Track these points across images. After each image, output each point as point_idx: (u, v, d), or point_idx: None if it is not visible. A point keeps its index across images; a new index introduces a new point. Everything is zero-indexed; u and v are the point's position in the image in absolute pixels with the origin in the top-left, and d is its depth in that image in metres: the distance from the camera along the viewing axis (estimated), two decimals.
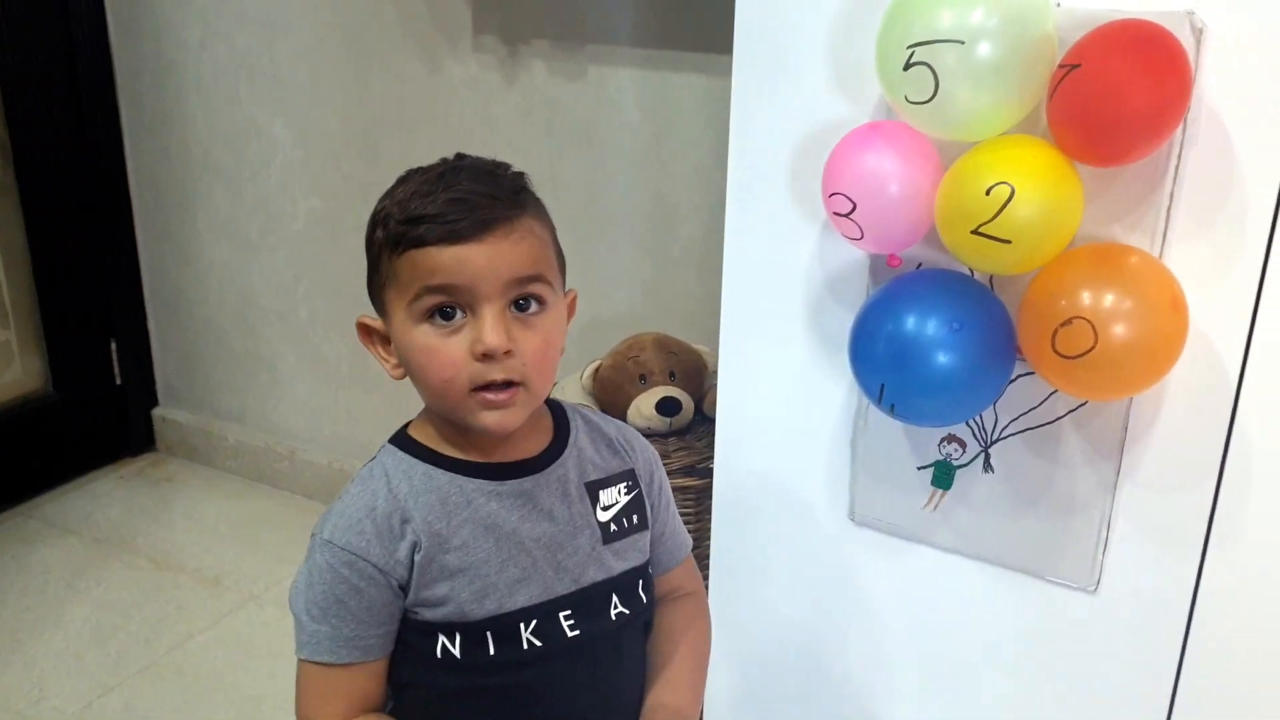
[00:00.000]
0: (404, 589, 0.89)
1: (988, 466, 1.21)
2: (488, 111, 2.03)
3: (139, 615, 2.09)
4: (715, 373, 1.76)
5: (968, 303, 1.08)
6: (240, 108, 2.32)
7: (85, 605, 2.12)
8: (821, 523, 1.34)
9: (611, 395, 1.70)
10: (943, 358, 1.06)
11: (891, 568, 1.31)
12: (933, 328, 1.07)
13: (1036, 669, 1.25)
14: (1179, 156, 1.04)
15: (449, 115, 2.07)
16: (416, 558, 0.89)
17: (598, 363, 1.74)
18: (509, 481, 0.93)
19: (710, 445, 1.64)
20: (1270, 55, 1.00)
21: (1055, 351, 1.01)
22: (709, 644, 1.10)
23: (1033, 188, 1.00)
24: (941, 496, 1.24)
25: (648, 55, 1.85)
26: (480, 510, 0.91)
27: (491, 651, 0.90)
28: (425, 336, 0.86)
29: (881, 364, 1.10)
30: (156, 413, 2.72)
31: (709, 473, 1.62)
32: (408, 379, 0.92)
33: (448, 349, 0.86)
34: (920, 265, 1.17)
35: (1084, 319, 0.99)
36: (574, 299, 0.97)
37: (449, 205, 0.84)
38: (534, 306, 0.88)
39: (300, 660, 0.90)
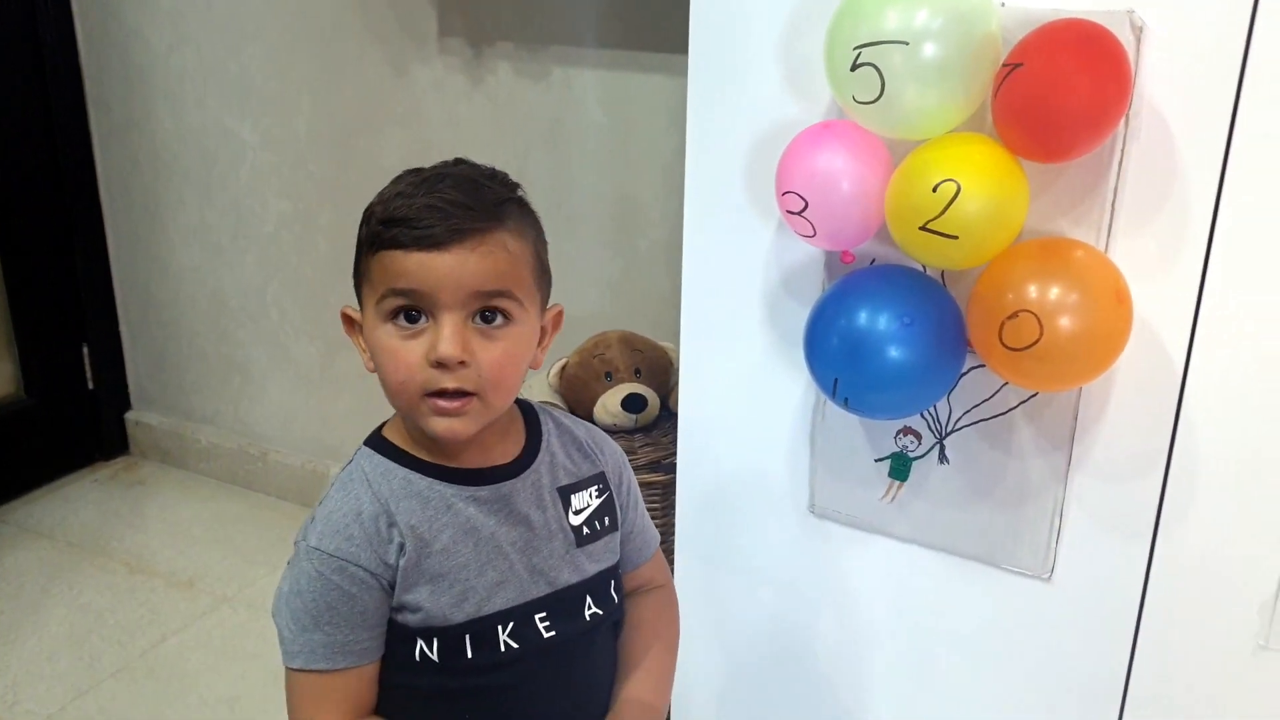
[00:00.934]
0: (387, 582, 0.90)
1: (943, 458, 1.23)
2: (454, 113, 2.04)
3: (113, 618, 2.10)
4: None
5: (918, 297, 1.10)
6: (209, 112, 2.33)
7: (59, 609, 2.13)
8: (783, 516, 1.36)
9: (578, 393, 1.72)
10: (894, 352, 1.08)
11: (852, 559, 1.33)
12: (884, 322, 1.09)
13: (995, 655, 1.27)
14: (1122, 151, 1.06)
15: (416, 117, 2.08)
16: (401, 561, 0.90)
17: (564, 360, 1.76)
18: (486, 486, 0.94)
19: (675, 441, 1.66)
20: (1208, 51, 1.02)
21: (1003, 344, 1.03)
22: (678, 636, 1.12)
23: (978, 184, 1.02)
24: (899, 488, 1.26)
25: (611, 56, 1.87)
26: (460, 514, 0.92)
27: (469, 655, 0.92)
28: (388, 336, 0.87)
29: (835, 359, 1.12)
30: (129, 416, 2.72)
31: (674, 468, 1.64)
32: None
33: (405, 351, 0.87)
34: (874, 261, 1.19)
35: (1029, 312, 1.01)
36: (558, 314, 0.98)
37: (424, 211, 0.85)
38: (498, 320, 0.88)
39: (292, 670, 0.90)
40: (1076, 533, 1.19)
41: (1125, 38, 1.02)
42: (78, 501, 2.53)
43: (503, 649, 0.93)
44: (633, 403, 1.66)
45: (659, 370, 1.73)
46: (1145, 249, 1.08)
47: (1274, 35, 0.99)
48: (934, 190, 1.02)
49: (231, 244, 2.41)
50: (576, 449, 1.03)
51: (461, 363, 0.86)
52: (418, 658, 0.91)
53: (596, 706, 1.02)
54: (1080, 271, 1.04)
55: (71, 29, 2.42)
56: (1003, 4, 1.07)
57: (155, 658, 1.99)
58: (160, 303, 2.58)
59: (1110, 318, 1.03)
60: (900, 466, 1.25)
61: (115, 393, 2.70)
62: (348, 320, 0.94)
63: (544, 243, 0.95)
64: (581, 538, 0.99)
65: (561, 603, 0.96)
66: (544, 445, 1.00)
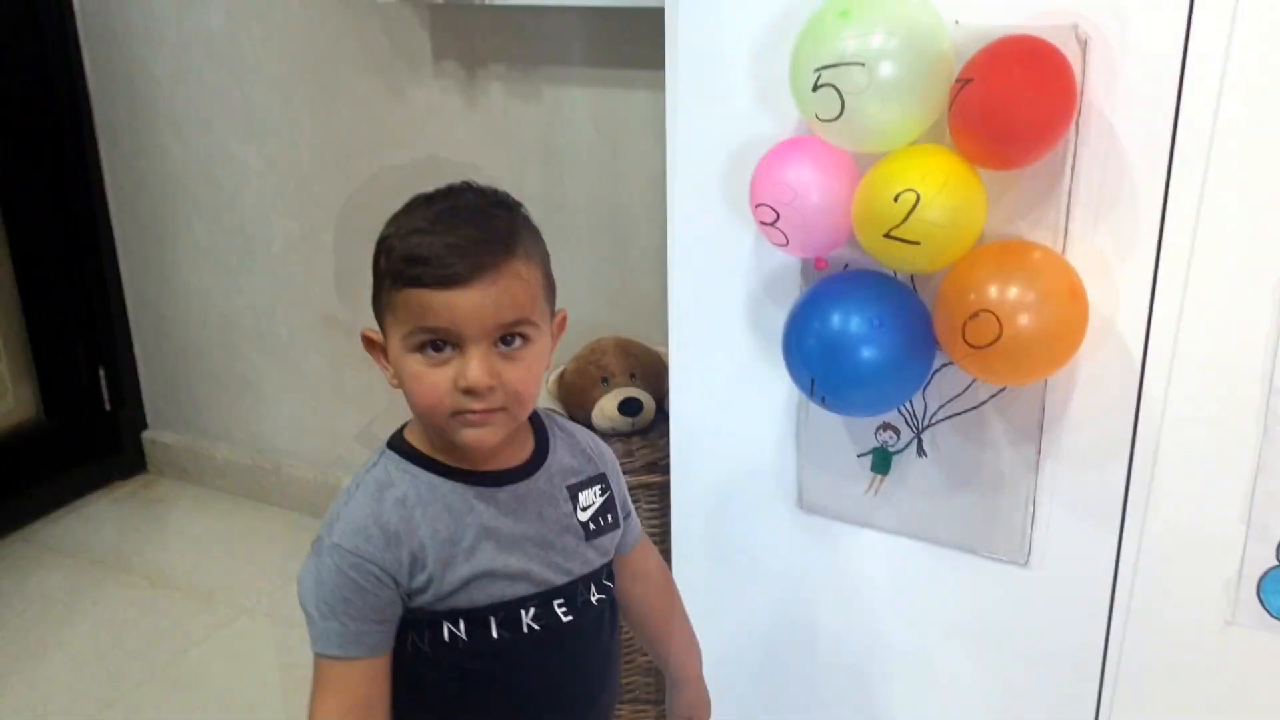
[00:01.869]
0: (404, 590, 0.97)
1: (921, 451, 1.29)
2: (451, 133, 2.11)
3: (136, 632, 2.17)
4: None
5: (888, 300, 1.17)
6: (214, 139, 2.40)
7: (84, 624, 2.20)
8: (774, 511, 1.42)
9: (576, 398, 1.78)
10: (866, 352, 1.15)
11: (841, 551, 1.39)
12: (856, 324, 1.15)
13: (979, 639, 1.33)
14: (1074, 157, 1.13)
15: (414, 138, 2.15)
16: (425, 561, 0.96)
17: (562, 368, 1.82)
18: (504, 488, 1.01)
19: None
20: (1147, 60, 1.08)
21: (966, 342, 1.09)
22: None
23: (936, 193, 1.08)
24: (881, 481, 1.32)
25: (598, 74, 1.94)
26: (481, 515, 0.99)
27: (495, 634, 0.99)
28: (415, 364, 0.93)
29: (811, 359, 1.18)
30: (146, 435, 2.79)
31: (669, 469, 1.70)
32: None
33: (434, 378, 0.93)
34: (847, 266, 1.26)
35: (989, 311, 1.07)
36: (563, 318, 1.05)
37: (445, 250, 0.90)
38: (518, 343, 0.95)
39: (315, 655, 0.98)
40: (1050, 519, 1.25)
41: (1070, 50, 1.08)
42: (98, 520, 2.61)
43: (525, 630, 1.01)
44: (629, 406, 1.72)
45: (654, 374, 1.79)
46: (1101, 247, 1.14)
47: (1209, 42, 1.05)
48: (895, 200, 1.08)
49: (240, 265, 2.49)
50: (580, 451, 1.10)
51: (489, 387, 0.92)
52: (446, 637, 0.98)
53: (607, 679, 1.11)
54: (1036, 272, 1.10)
55: (79, 63, 2.50)
56: (956, 22, 1.13)
57: (178, 669, 2.07)
58: (173, 324, 2.65)
59: (1066, 314, 1.10)
60: (882, 460, 1.31)
61: (132, 413, 2.78)
62: (369, 341, 1.00)
63: (548, 256, 1.01)
64: (589, 533, 1.06)
65: (575, 591, 1.04)
66: (552, 447, 1.07)
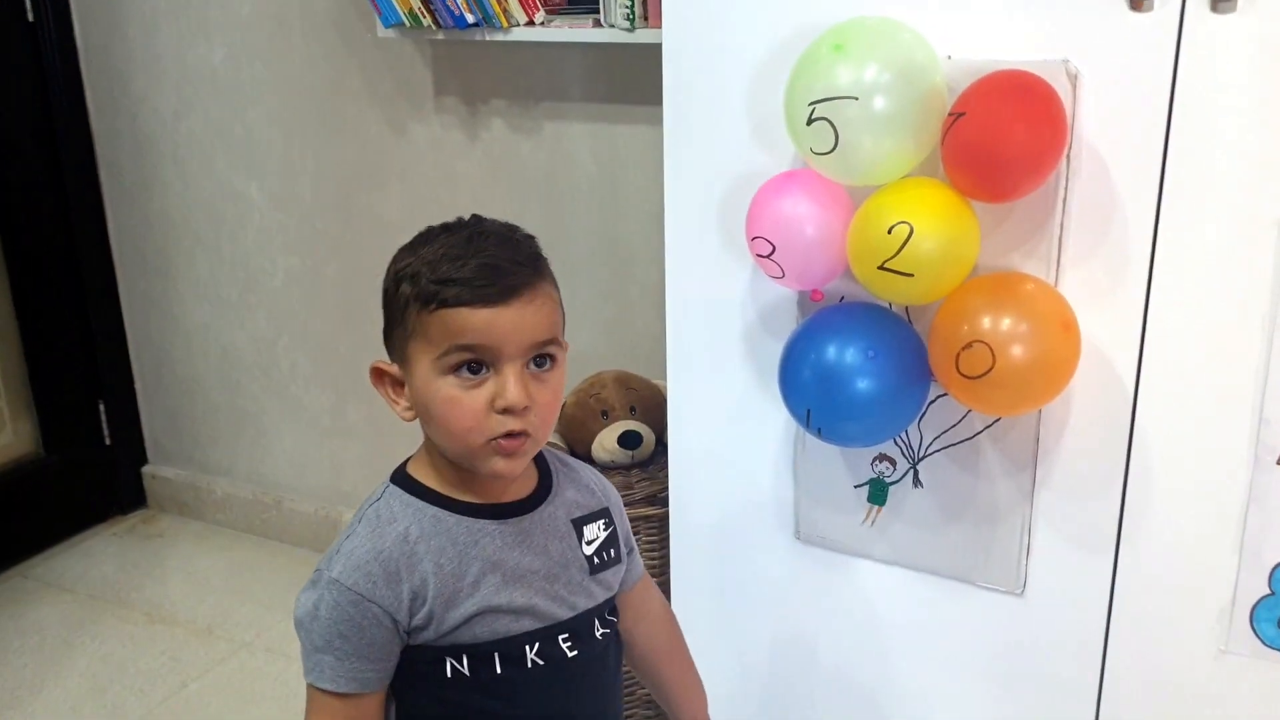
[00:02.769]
0: (404, 628, 0.97)
1: (917, 482, 1.30)
2: (452, 168, 2.13)
3: (134, 667, 2.17)
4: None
5: (882, 332, 1.18)
6: (216, 174, 2.43)
7: (82, 660, 2.19)
8: (771, 543, 1.42)
9: (576, 431, 1.79)
10: (861, 383, 1.16)
11: (837, 581, 1.39)
12: (851, 356, 1.16)
13: (974, 668, 1.33)
14: (1065, 189, 1.14)
15: (415, 173, 2.17)
16: (426, 597, 0.96)
17: (561, 401, 1.83)
18: (509, 520, 1.01)
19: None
20: (1135, 94, 1.10)
21: (960, 373, 1.10)
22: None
23: (930, 225, 1.10)
24: (878, 512, 1.33)
25: (598, 109, 1.96)
26: (486, 549, 0.98)
27: (499, 669, 0.99)
28: (449, 388, 0.93)
29: (807, 391, 1.19)
30: (146, 470, 2.80)
31: (668, 502, 1.71)
32: (408, 421, 0.99)
33: (470, 401, 0.93)
34: (843, 299, 1.27)
35: (982, 342, 1.09)
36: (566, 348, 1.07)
37: (479, 271, 0.91)
38: (548, 364, 0.96)
39: (307, 684, 0.98)
40: (1044, 549, 1.25)
41: (1061, 85, 1.10)
42: (98, 555, 2.61)
43: (529, 665, 1.00)
44: (629, 439, 1.73)
45: (653, 407, 1.80)
46: (1092, 278, 1.16)
47: (1197, 77, 1.07)
48: (889, 232, 1.10)
49: (241, 300, 2.50)
50: (583, 486, 1.10)
51: (526, 407, 0.93)
52: (449, 673, 0.98)
53: (609, 712, 1.10)
54: (1028, 303, 1.11)
55: (82, 99, 2.53)
56: (949, 57, 1.15)
57: (177, 704, 2.06)
58: (174, 359, 2.66)
59: (1058, 345, 1.11)
60: (878, 491, 1.32)
61: (132, 448, 2.78)
62: (378, 375, 1.00)
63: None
64: (594, 566, 1.06)
65: (582, 625, 1.04)
66: (556, 481, 1.07)
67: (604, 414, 1.77)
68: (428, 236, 0.98)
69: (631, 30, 1.74)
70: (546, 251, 0.99)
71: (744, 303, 1.36)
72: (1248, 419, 1.12)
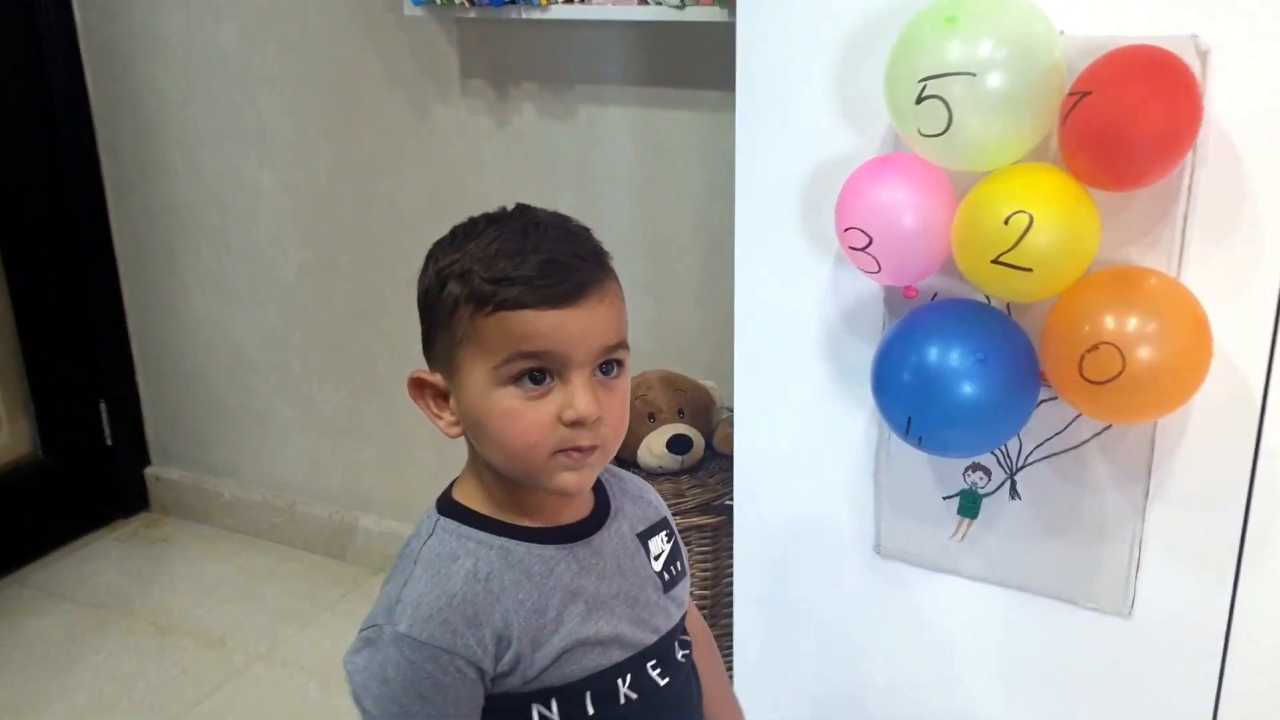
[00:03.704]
0: (489, 677, 0.86)
1: (1014, 493, 1.20)
2: (478, 155, 2.02)
3: (142, 683, 2.05)
4: (723, 408, 1.75)
5: (990, 332, 1.08)
6: (225, 161, 2.31)
7: (86, 674, 2.08)
8: (847, 557, 1.33)
9: None
10: (969, 388, 1.06)
11: (922, 599, 1.30)
12: (957, 359, 1.06)
13: (1072, 696, 1.24)
14: (1191, 177, 1.04)
15: (439, 160, 2.06)
16: (511, 639, 0.85)
17: (629, 410, 1.73)
18: (579, 543, 0.91)
19: (723, 482, 1.64)
20: (1273, 73, 1.00)
21: (1083, 378, 1.01)
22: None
23: (1050, 215, 1.00)
24: (969, 525, 1.23)
25: (637, 93, 1.86)
26: (563, 577, 0.88)
27: (590, 711, 0.88)
28: (509, 399, 0.83)
29: (908, 397, 1.09)
30: (149, 472, 2.68)
31: (724, 509, 1.61)
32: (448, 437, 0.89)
33: (535, 413, 0.82)
34: (935, 295, 1.17)
35: (1110, 344, 0.99)
36: None
37: (546, 267, 0.81)
38: (616, 370, 0.86)
39: None
40: (1156, 567, 1.16)
41: (1191, 62, 1.00)
42: (99, 561, 2.49)
43: (623, 700, 0.90)
44: (679, 444, 1.63)
45: (701, 410, 1.70)
46: (1218, 274, 1.06)
47: None
48: (1006, 223, 1.00)
49: (250, 294, 2.39)
50: (636, 498, 1.00)
51: (599, 418, 0.83)
52: (536, 718, 0.88)
53: None
54: (1157, 300, 1.02)
55: (82, 80, 2.40)
56: (1061, 33, 1.04)
57: None
58: (178, 355, 2.55)
59: (1190, 345, 1.01)
60: (970, 504, 1.22)
61: (134, 448, 2.66)
62: (418, 386, 0.89)
63: None
64: (665, 583, 0.96)
65: (667, 649, 0.95)
66: (612, 494, 0.97)
67: (650, 417, 1.67)
68: (472, 230, 0.86)
69: (682, 8, 1.63)
70: None
71: (822, 298, 1.26)
72: None
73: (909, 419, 1.09)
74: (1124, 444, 1.14)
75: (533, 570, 0.88)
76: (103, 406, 2.60)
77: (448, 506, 0.91)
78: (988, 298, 1.13)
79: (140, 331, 2.58)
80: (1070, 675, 1.23)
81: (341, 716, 1.73)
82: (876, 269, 1.10)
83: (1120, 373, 0.98)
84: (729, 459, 1.62)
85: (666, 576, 0.97)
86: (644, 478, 1.06)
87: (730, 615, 1.49)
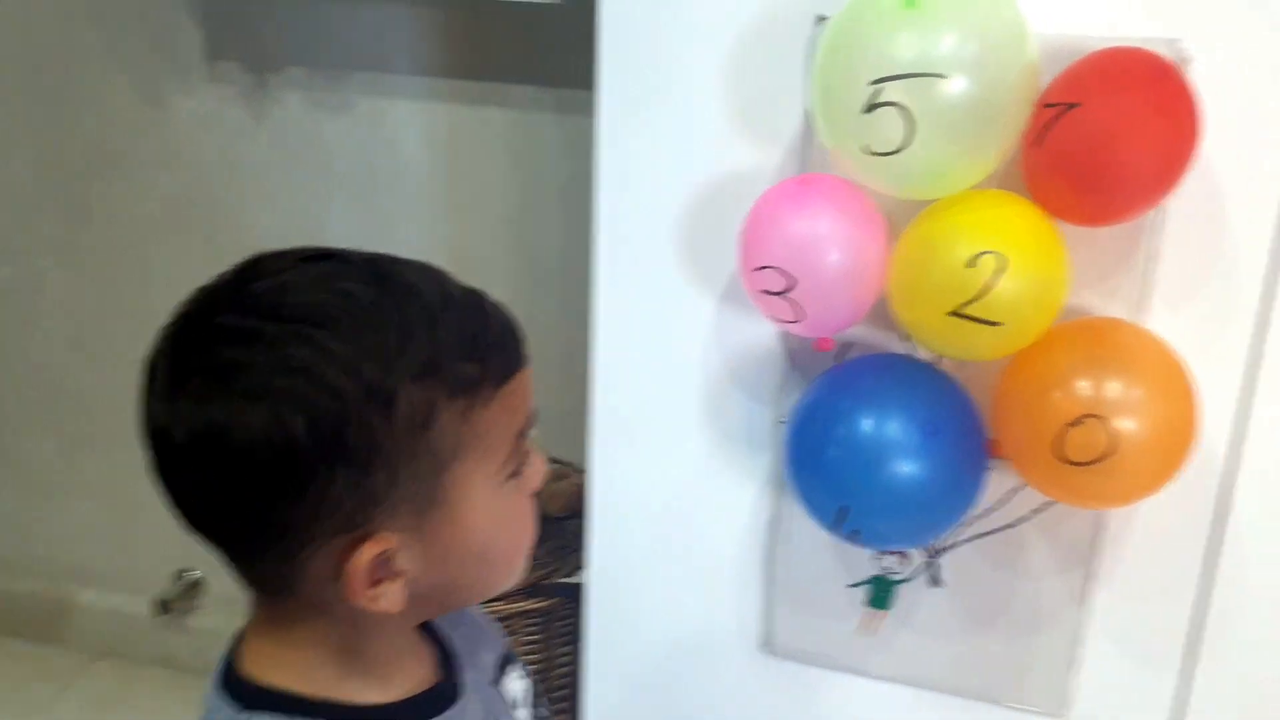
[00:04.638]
0: None
1: (935, 580, 1.01)
2: (231, 153, 1.66)
3: None
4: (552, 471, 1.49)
5: (938, 397, 0.88)
6: None
7: None
8: (728, 658, 1.10)
9: None
10: (918, 468, 0.85)
11: (819, 705, 1.09)
12: (901, 432, 0.85)
13: None
14: (1161, 211, 0.88)
15: (181, 159, 1.69)
16: None
17: None
18: (444, 714, 0.66)
19: (553, 554, 1.38)
20: (1263, 86, 0.85)
21: (1059, 457, 0.81)
22: None
23: (1023, 256, 0.80)
24: (880, 618, 1.03)
25: (431, 85, 1.57)
26: None
27: None
28: (515, 496, 0.63)
29: (841, 479, 0.87)
30: None
31: (555, 591, 1.36)
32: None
33: (529, 504, 0.65)
34: (850, 347, 0.96)
35: (1096, 416, 0.80)
36: None
37: (498, 315, 0.63)
38: None
39: None
40: (1097, 663, 1.00)
41: None
42: None
43: None
44: None
45: None
46: (1187, 326, 0.90)
47: None
48: (970, 265, 0.79)
49: None
50: (469, 623, 0.75)
51: None
52: None
53: None
54: (1139, 360, 0.84)
55: None
56: None
57: None
58: None
59: (1181, 415, 0.84)
60: (881, 593, 1.02)
61: None
62: (378, 564, 0.58)
63: None
64: None
65: None
66: (444, 634, 0.71)
67: None
68: (357, 324, 0.57)
69: None
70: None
71: (705, 348, 1.03)
72: None
73: (842, 508, 0.86)
74: (1067, 522, 0.96)
75: None
76: None
77: (259, 697, 0.61)
78: (940, 357, 0.92)
79: None
80: None
81: None
82: (795, 317, 0.87)
83: (1111, 452, 0.80)
84: (559, 522, 1.37)
85: None
86: None
87: (571, 715, 1.24)
